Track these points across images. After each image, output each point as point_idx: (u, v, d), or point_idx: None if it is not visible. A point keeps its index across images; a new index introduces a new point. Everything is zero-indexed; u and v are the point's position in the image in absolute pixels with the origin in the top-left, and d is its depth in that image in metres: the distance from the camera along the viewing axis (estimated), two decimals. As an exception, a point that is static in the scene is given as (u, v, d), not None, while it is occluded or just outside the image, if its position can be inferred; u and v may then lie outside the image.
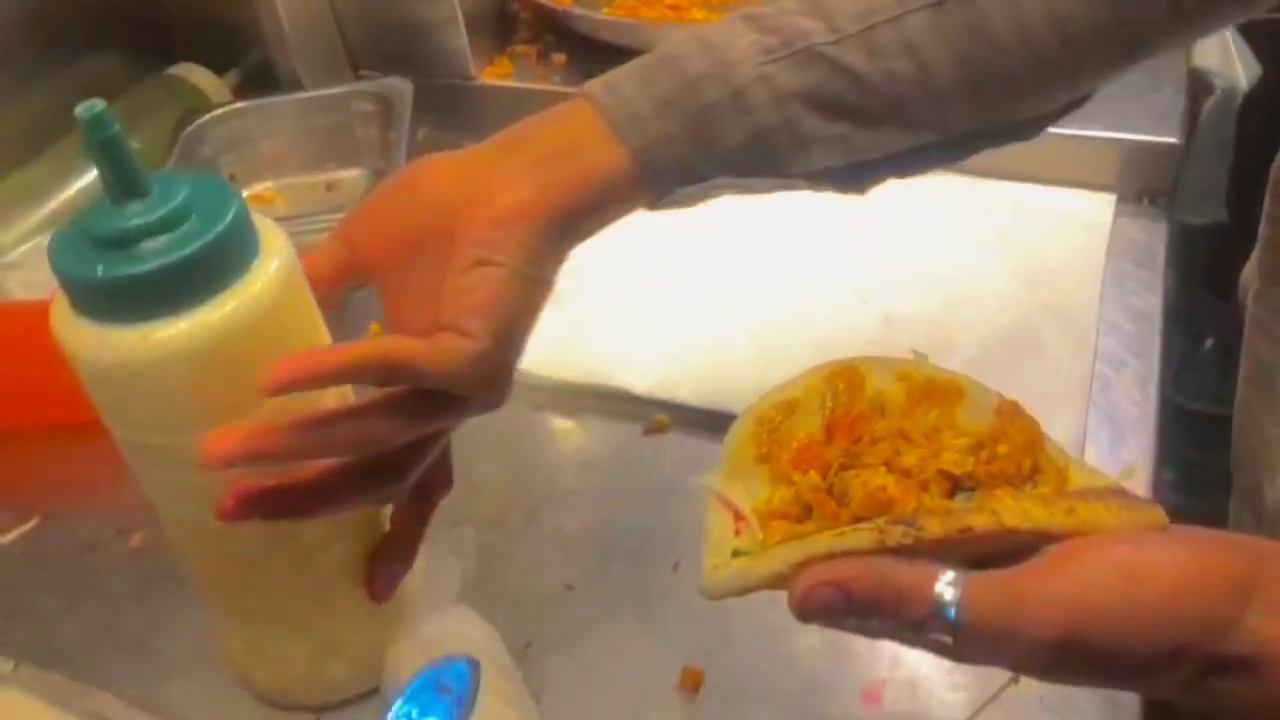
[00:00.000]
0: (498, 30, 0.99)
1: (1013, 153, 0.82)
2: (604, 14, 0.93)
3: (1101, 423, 0.65)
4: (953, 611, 0.36)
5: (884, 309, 0.72)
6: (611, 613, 0.58)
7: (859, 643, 0.55)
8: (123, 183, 0.40)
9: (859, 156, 0.48)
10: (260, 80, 0.97)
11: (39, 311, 0.74)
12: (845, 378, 0.43)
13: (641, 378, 0.70)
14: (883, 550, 0.37)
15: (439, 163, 0.47)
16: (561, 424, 0.70)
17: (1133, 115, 0.79)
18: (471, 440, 0.69)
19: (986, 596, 0.36)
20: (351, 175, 0.92)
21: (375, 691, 0.53)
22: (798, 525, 0.40)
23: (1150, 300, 0.73)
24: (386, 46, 0.95)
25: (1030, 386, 0.65)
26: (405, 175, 0.48)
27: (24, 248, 0.80)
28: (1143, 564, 0.35)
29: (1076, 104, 0.52)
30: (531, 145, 0.46)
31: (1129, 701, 0.52)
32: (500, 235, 0.44)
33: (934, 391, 0.43)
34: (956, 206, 0.80)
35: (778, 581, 0.39)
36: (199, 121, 0.89)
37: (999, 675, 0.53)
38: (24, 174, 0.84)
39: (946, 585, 0.36)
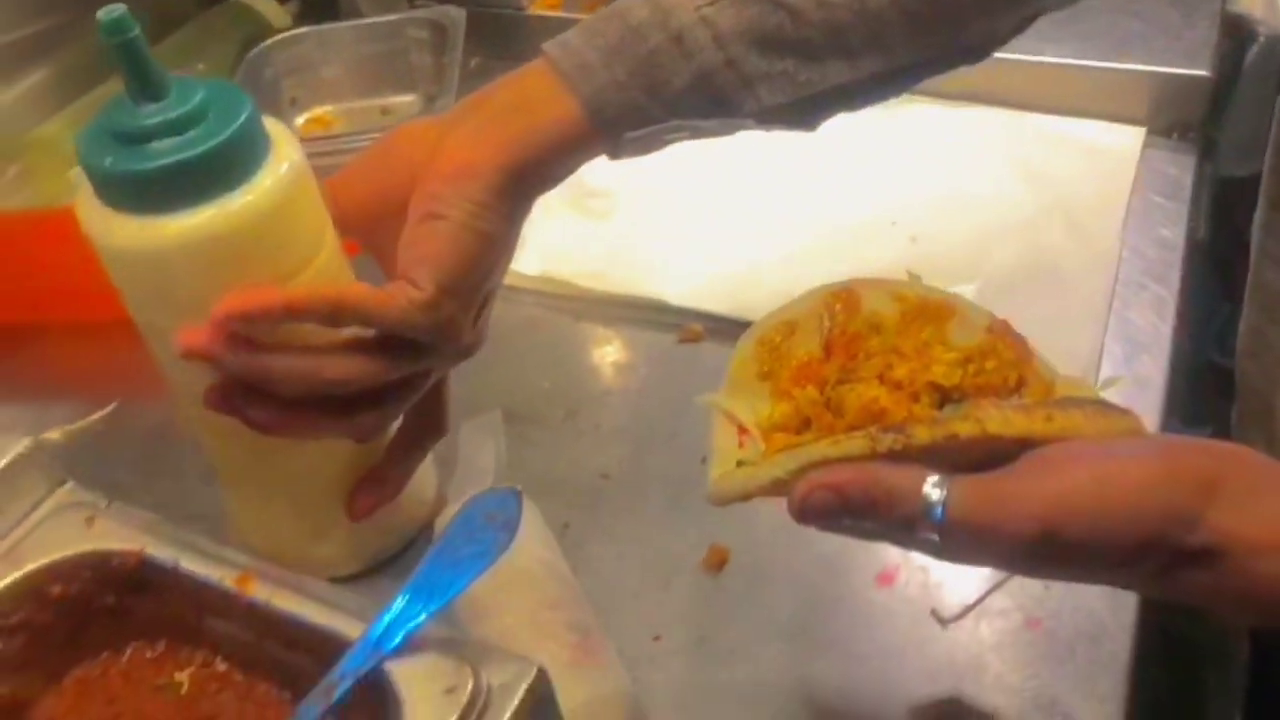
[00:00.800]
0: (549, -39, 1.02)
1: (1044, 85, 0.84)
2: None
3: (1117, 340, 0.68)
4: (939, 511, 0.39)
5: (911, 230, 0.75)
6: (644, 499, 0.63)
7: (874, 530, 0.59)
8: (143, 84, 0.42)
9: (805, 92, 0.50)
10: (320, 8, 1.01)
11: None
12: (842, 299, 0.46)
13: (678, 290, 0.73)
14: (875, 456, 0.40)
15: (415, 128, 0.50)
16: (601, 332, 0.74)
17: (1166, 50, 0.81)
18: (516, 346, 0.74)
19: (970, 497, 0.39)
20: (406, 100, 0.96)
21: (368, 573, 0.57)
22: (797, 436, 0.43)
23: (1175, 230, 0.75)
24: (442, -24, 0.98)
25: (1050, 305, 0.69)
26: (384, 141, 0.50)
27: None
28: (1114, 465, 0.39)
29: (1028, 21, 0.52)
30: (487, 104, 0.48)
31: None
32: (449, 190, 0.46)
33: (926, 310, 0.45)
34: (986, 136, 0.82)
35: (778, 488, 0.42)
36: (261, 46, 0.93)
37: (1005, 561, 0.56)
38: (99, 92, 0.89)
39: (934, 487, 0.39)
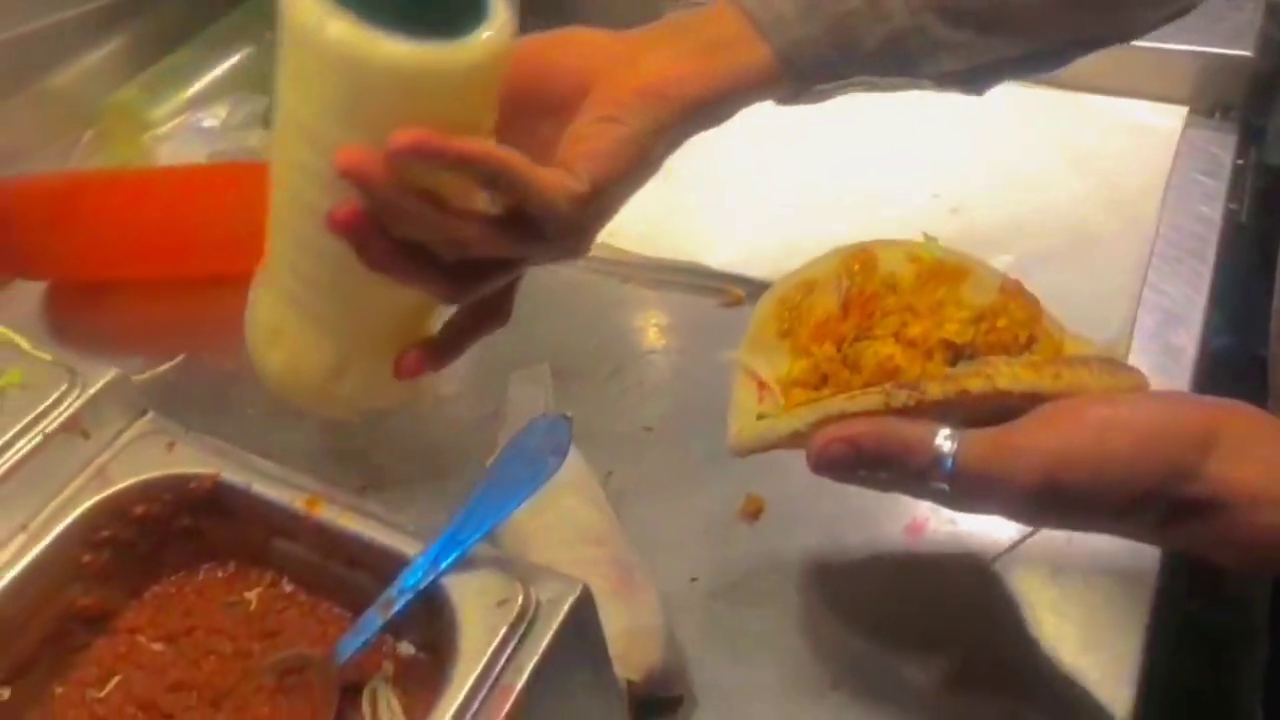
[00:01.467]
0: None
1: (1088, 64, 0.85)
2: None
3: (1150, 312, 0.69)
4: (950, 462, 0.41)
5: (953, 202, 0.77)
6: (684, 452, 0.65)
7: (905, 484, 0.61)
8: None
9: (979, 60, 0.53)
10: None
11: (189, 175, 0.84)
12: (860, 259, 0.48)
13: (721, 256, 0.76)
14: (889, 411, 0.42)
15: (590, 35, 0.51)
16: (646, 294, 0.77)
17: (1209, 31, 0.82)
18: (564, 306, 0.77)
19: (979, 449, 0.41)
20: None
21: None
22: (814, 391, 0.45)
23: (1213, 208, 0.76)
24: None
25: (1086, 276, 0.71)
26: (554, 36, 0.51)
27: (172, 123, 0.89)
28: (1116, 419, 0.41)
29: (1181, 13, 0.56)
30: (682, 36, 0.51)
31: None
32: (638, 104, 0.48)
33: (941, 271, 0.47)
34: (1029, 114, 0.84)
35: (797, 440, 0.45)
36: None
37: (1031, 517, 0.58)
38: (172, 59, 0.93)
39: (945, 439, 0.41)
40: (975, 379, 0.42)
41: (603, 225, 0.51)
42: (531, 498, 0.46)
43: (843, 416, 0.43)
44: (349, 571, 0.48)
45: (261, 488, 0.49)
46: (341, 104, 0.43)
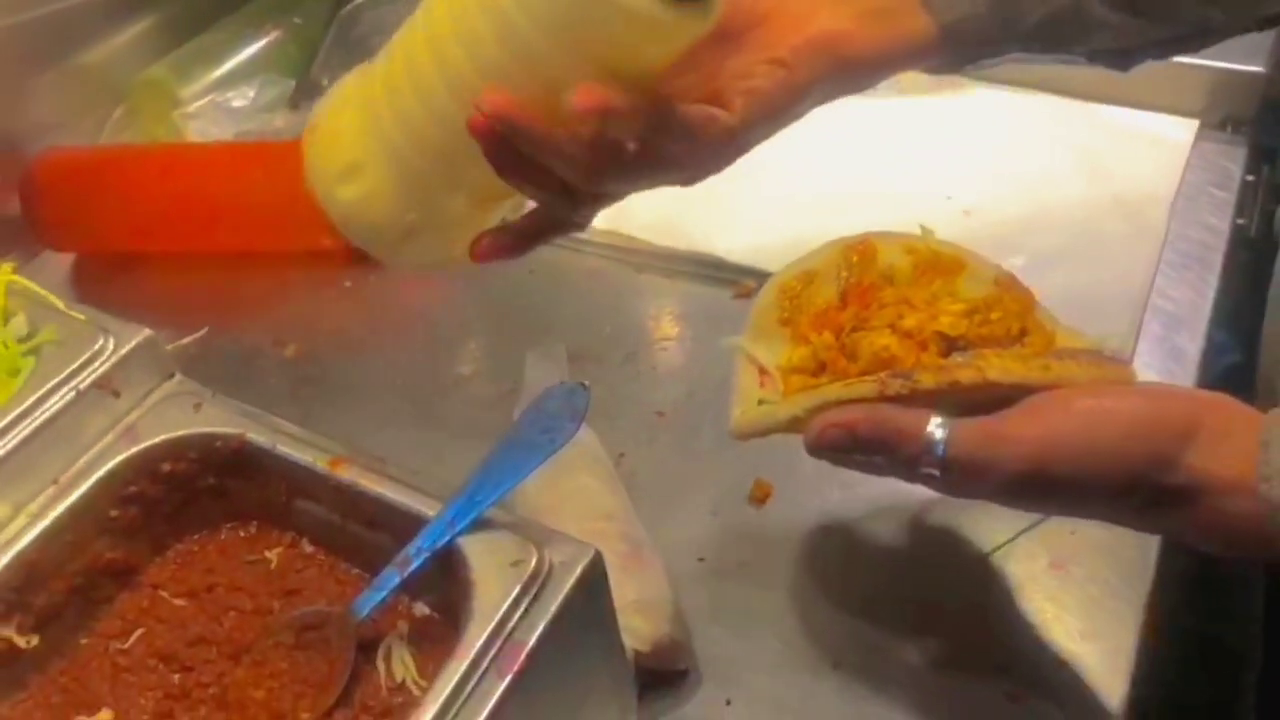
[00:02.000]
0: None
1: (1102, 75, 0.86)
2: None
3: (1156, 316, 0.70)
4: (941, 449, 0.43)
5: (965, 205, 0.78)
6: (695, 436, 0.67)
7: (910, 473, 0.63)
8: None
9: (1128, 43, 0.56)
10: (411, -28, 1.06)
11: (216, 152, 0.86)
12: (859, 251, 0.50)
13: (735, 248, 0.77)
14: (884, 399, 0.44)
15: None
16: (661, 284, 0.78)
17: (1224, 46, 0.82)
18: (582, 293, 0.78)
19: (969, 437, 0.43)
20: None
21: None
22: (813, 379, 0.47)
23: (1221, 218, 0.78)
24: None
25: (1094, 280, 0.72)
26: None
27: (201, 102, 0.91)
28: (1102, 410, 0.43)
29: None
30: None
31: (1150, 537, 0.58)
32: (807, 53, 0.49)
33: (938, 264, 0.49)
34: (1045, 121, 0.85)
35: (795, 425, 0.47)
36: (354, 3, 0.98)
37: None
38: (203, 39, 0.95)
39: (937, 427, 0.43)
40: (966, 370, 0.44)
41: (731, 160, 0.51)
42: (546, 466, 0.47)
43: (839, 403, 0.45)
44: (368, 532, 0.49)
45: (286, 448, 0.50)
46: (597, 41, 0.42)
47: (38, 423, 0.49)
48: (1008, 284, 0.49)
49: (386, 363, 0.74)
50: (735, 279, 0.76)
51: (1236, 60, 0.82)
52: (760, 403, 0.49)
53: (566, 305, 0.77)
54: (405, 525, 0.47)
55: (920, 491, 0.60)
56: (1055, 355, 0.45)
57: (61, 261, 0.86)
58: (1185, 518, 0.43)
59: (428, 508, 0.46)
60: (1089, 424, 0.42)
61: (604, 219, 0.80)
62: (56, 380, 0.50)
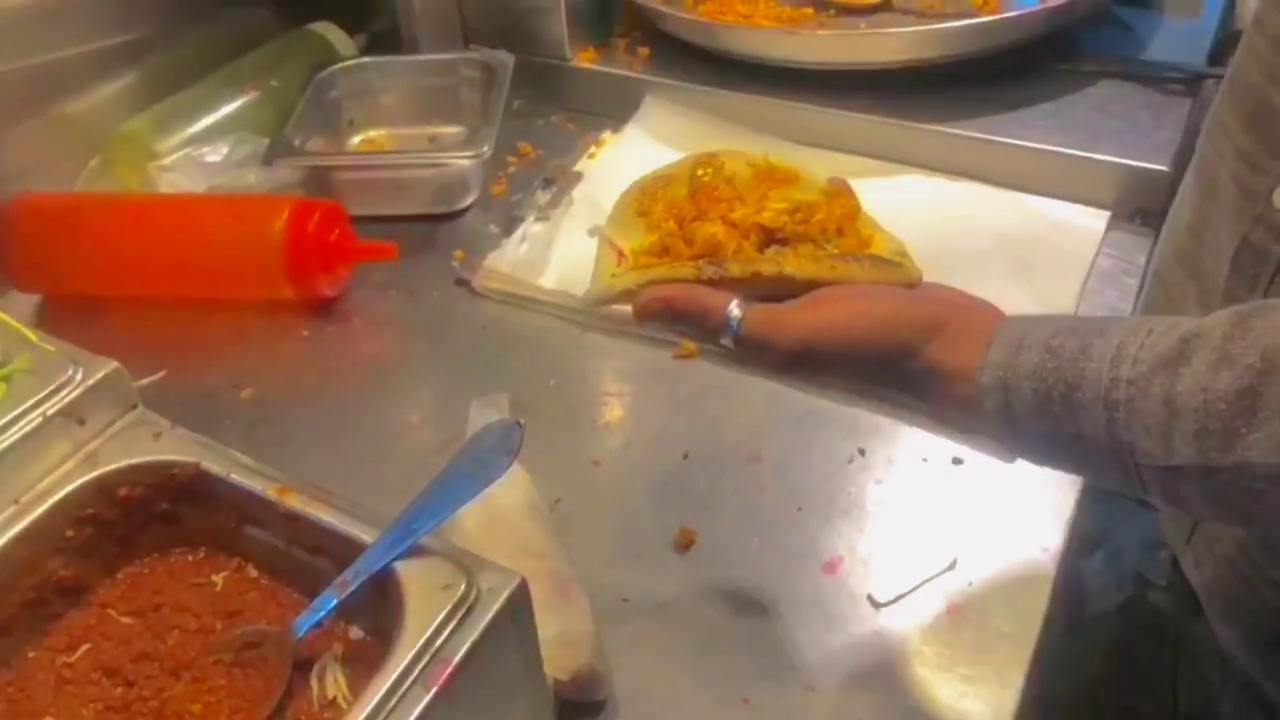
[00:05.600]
0: (593, 21, 1.12)
1: (1026, 166, 0.94)
2: (686, 15, 1.06)
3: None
4: (735, 326, 0.52)
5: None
6: (628, 485, 0.71)
7: (825, 525, 0.67)
8: None
9: None
10: (385, 42, 1.12)
11: (186, 204, 0.90)
12: (708, 161, 0.59)
13: (678, 312, 0.82)
14: (699, 281, 0.53)
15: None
16: (606, 343, 0.83)
17: (1134, 145, 0.90)
18: (530, 348, 0.83)
19: (758, 319, 0.52)
20: (453, 131, 1.06)
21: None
22: (657, 260, 0.55)
23: (1127, 301, 0.84)
24: (496, 23, 1.09)
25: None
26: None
27: (176, 156, 0.94)
28: (864, 305, 0.52)
29: None
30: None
31: (1040, 584, 0.62)
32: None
33: (774, 174, 0.58)
34: (968, 206, 0.91)
35: (629, 297, 0.55)
36: (329, 70, 1.04)
37: (939, 560, 0.64)
38: (182, 96, 0.99)
39: (735, 308, 0.52)
40: (768, 264, 0.53)
41: None
42: (484, 507, 0.51)
43: (665, 281, 0.54)
44: (311, 558, 0.53)
45: (239, 477, 0.54)
46: None
47: (4, 445, 0.52)
48: (835, 192, 0.57)
49: (339, 409, 0.78)
50: (676, 340, 0.81)
51: (1145, 159, 0.89)
52: (612, 278, 0.57)
53: (515, 359, 0.82)
54: (345, 551, 0.50)
55: (832, 541, 0.66)
56: (842, 258, 0.54)
57: (27, 302, 0.89)
58: (925, 398, 0.52)
59: (368, 535, 0.50)
60: (850, 316, 0.51)
61: (556, 280, 0.86)
62: (25, 406, 0.53)
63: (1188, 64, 0.99)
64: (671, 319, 0.54)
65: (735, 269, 0.53)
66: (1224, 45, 1.11)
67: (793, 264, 0.53)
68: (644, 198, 0.58)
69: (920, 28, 0.96)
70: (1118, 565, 0.89)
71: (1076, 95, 0.97)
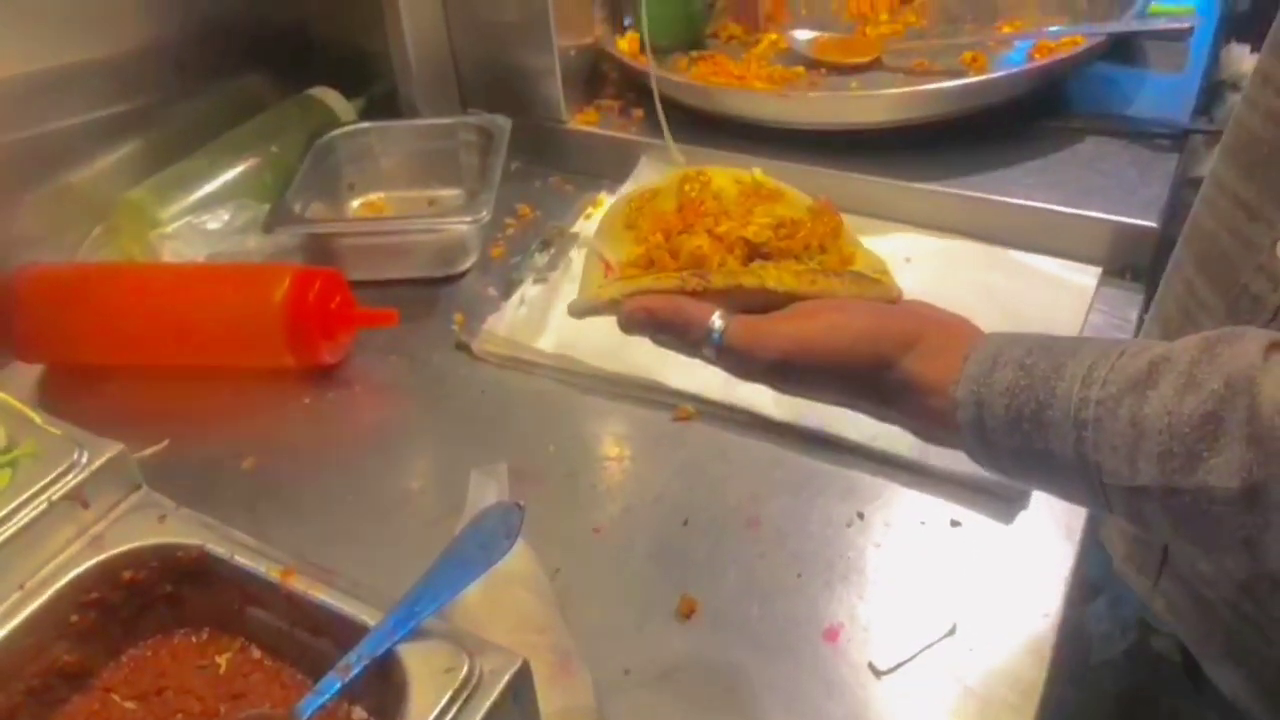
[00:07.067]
0: (589, 84, 1.14)
1: (1017, 223, 0.95)
2: (679, 78, 1.08)
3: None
4: (717, 336, 0.53)
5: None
6: (628, 552, 0.71)
7: (825, 591, 0.67)
8: None
9: None
10: (383, 106, 1.14)
11: (187, 273, 0.91)
12: (695, 177, 0.60)
13: (676, 375, 0.83)
14: (683, 292, 0.54)
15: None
16: (605, 406, 0.84)
17: (1122, 202, 0.91)
18: (529, 413, 0.83)
19: (739, 330, 0.53)
20: (451, 194, 1.08)
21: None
22: (644, 272, 0.56)
23: (1120, 358, 0.84)
24: (493, 88, 1.11)
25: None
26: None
27: (177, 224, 0.96)
28: (843, 318, 0.53)
29: None
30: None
31: (1041, 650, 0.63)
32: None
33: (760, 191, 0.59)
34: (962, 264, 0.92)
35: (615, 307, 0.56)
36: (329, 135, 1.06)
37: (939, 625, 0.64)
38: (184, 165, 1.01)
39: (717, 319, 0.53)
40: (750, 277, 0.54)
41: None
42: (482, 581, 0.52)
43: (651, 291, 0.55)
44: (313, 639, 0.53)
45: (243, 559, 0.54)
46: None
47: (10, 532, 0.53)
48: (819, 210, 0.58)
49: (339, 477, 0.79)
50: (675, 403, 0.82)
51: (1134, 215, 0.90)
52: (599, 288, 0.58)
53: (514, 424, 0.82)
54: (349, 633, 0.50)
55: (832, 608, 0.66)
56: (823, 273, 0.55)
57: (30, 371, 0.90)
58: (901, 410, 0.53)
59: (370, 617, 0.50)
60: (829, 328, 0.53)
61: (555, 344, 0.87)
62: (31, 492, 0.54)
63: (1174, 119, 1.00)
64: (655, 328, 0.55)
65: (719, 281, 0.54)
66: (1209, 99, 1.13)
67: (774, 277, 0.54)
68: (631, 211, 0.59)
69: (909, 89, 0.98)
70: (1120, 611, 0.89)
71: (1064, 152, 0.99)
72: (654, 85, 1.03)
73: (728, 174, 0.60)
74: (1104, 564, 0.85)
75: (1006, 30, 1.11)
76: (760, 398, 0.79)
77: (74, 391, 0.89)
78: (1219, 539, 0.46)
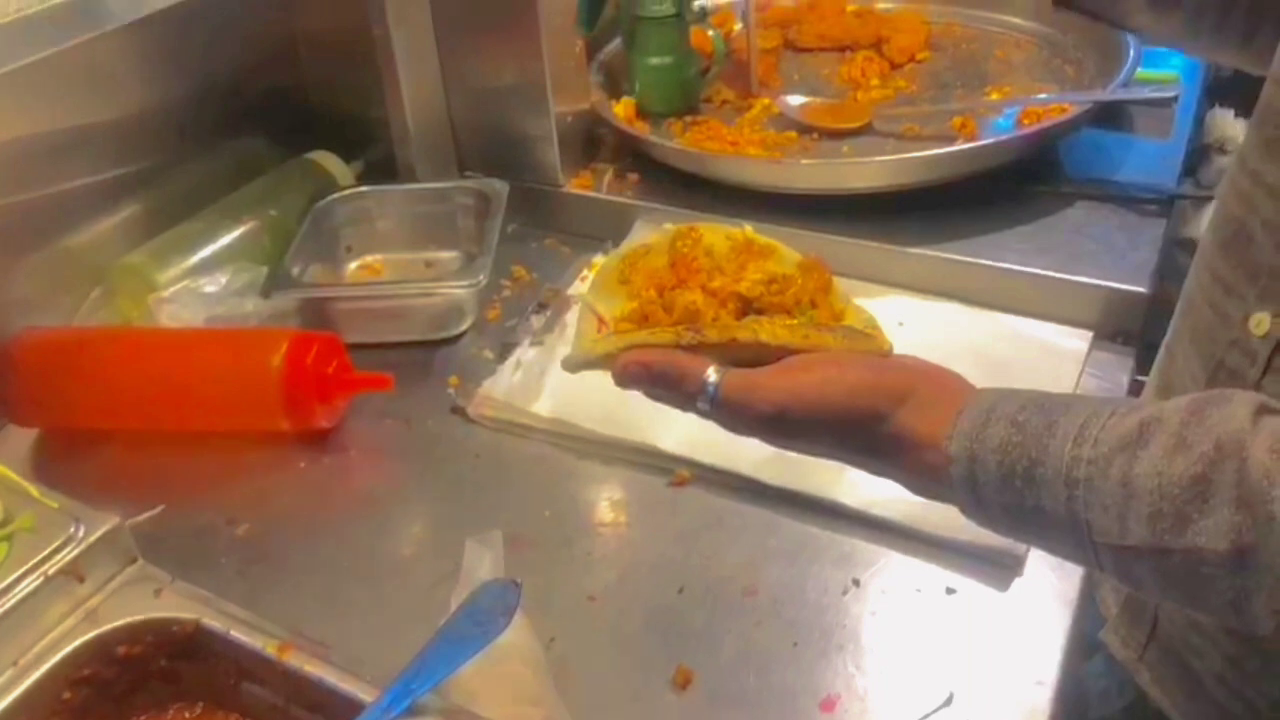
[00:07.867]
0: (584, 149, 1.16)
1: (1008, 288, 0.96)
2: (674, 144, 1.09)
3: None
4: (713, 390, 0.54)
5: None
6: (624, 621, 0.71)
7: (821, 660, 0.67)
8: None
9: None
10: (381, 170, 1.15)
11: (184, 337, 0.91)
12: (687, 234, 0.61)
13: (672, 439, 0.83)
14: (678, 346, 0.55)
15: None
16: (601, 471, 0.84)
17: (1112, 267, 0.93)
18: (524, 478, 0.83)
19: (734, 384, 0.54)
20: (449, 256, 1.08)
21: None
22: (636, 326, 0.57)
23: (1113, 422, 0.85)
24: (490, 152, 1.12)
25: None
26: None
27: (175, 287, 0.96)
28: (837, 372, 0.54)
29: None
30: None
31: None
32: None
33: (751, 247, 0.60)
34: (952, 327, 0.93)
35: (609, 361, 0.57)
36: (328, 199, 1.07)
37: (935, 695, 0.64)
38: (182, 228, 1.01)
39: (712, 373, 0.54)
40: (744, 331, 0.55)
41: None
42: (479, 656, 0.51)
43: (645, 345, 0.55)
44: (309, 715, 0.53)
45: (239, 633, 0.54)
46: None
47: (5, 607, 0.53)
48: (810, 267, 0.59)
49: (334, 544, 0.78)
50: (671, 468, 0.82)
51: (1125, 281, 0.91)
52: (592, 343, 0.58)
53: (509, 489, 0.82)
54: (345, 710, 0.50)
55: (829, 678, 0.66)
56: (816, 327, 0.56)
57: (25, 435, 0.90)
58: (894, 464, 0.53)
59: (366, 694, 0.50)
60: (823, 382, 0.53)
61: (550, 408, 0.87)
62: (27, 567, 0.54)
63: (1161, 185, 1.02)
64: (650, 382, 0.56)
65: (713, 334, 0.55)
66: (1195, 162, 1.15)
67: (768, 331, 0.55)
68: (625, 267, 0.60)
69: (900, 156, 0.99)
70: (1118, 669, 0.88)
71: (1053, 217, 1.00)
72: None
73: (719, 230, 0.61)
74: (1102, 621, 0.85)
75: (995, 97, 1.13)
76: (755, 461, 0.79)
77: (69, 456, 0.89)
78: (1208, 600, 0.46)
